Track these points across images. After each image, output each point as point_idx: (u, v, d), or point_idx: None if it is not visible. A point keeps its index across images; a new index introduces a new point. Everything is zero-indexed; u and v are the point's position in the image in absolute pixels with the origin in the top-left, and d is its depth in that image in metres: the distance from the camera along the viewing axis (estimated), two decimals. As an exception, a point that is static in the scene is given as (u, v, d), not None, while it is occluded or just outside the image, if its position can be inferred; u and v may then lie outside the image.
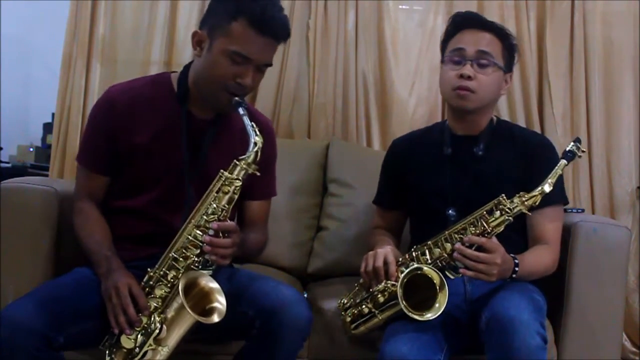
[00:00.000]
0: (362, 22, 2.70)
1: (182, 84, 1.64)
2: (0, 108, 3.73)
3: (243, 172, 1.50)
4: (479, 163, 1.78)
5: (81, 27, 2.66)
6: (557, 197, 1.76)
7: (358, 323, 1.69)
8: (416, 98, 2.74)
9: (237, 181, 1.50)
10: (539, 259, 1.72)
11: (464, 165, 1.79)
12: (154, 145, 1.62)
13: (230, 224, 1.49)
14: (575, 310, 1.88)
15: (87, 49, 2.67)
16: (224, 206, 1.49)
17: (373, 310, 1.65)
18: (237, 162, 1.50)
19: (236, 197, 1.51)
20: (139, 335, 1.43)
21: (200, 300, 1.47)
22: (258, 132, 1.50)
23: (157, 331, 1.42)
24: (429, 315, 1.54)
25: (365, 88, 2.72)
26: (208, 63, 1.56)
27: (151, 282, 1.49)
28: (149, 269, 1.51)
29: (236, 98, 1.54)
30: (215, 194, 1.50)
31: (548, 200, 1.68)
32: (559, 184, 1.77)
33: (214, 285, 1.48)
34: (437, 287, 1.56)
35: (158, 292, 1.48)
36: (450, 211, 1.74)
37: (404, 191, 1.90)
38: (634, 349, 2.66)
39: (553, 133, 2.64)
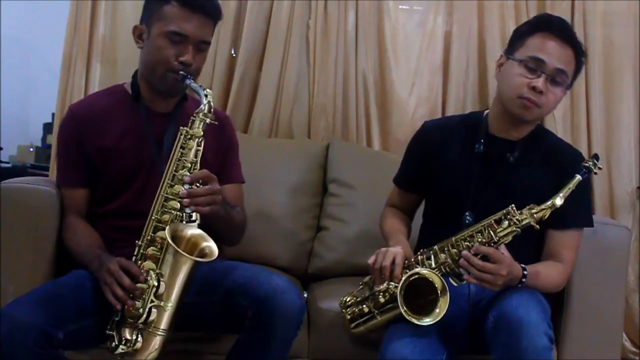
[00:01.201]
0: (362, 22, 2.69)
1: (134, 84, 1.73)
2: (0, 108, 3.73)
3: (202, 124, 1.57)
4: (509, 170, 1.71)
5: (81, 27, 2.66)
6: (585, 220, 1.74)
7: (358, 322, 1.69)
8: (416, 98, 2.74)
9: (199, 133, 1.56)
10: (550, 275, 1.68)
11: (493, 168, 1.72)
12: (121, 146, 1.69)
13: (202, 171, 1.55)
14: (575, 310, 1.88)
15: (87, 49, 2.67)
16: (192, 159, 1.56)
17: (373, 310, 1.65)
18: (194, 116, 1.58)
19: (201, 149, 1.57)
20: (141, 302, 1.44)
21: (190, 249, 1.49)
22: (206, 88, 1.59)
23: (154, 288, 1.44)
24: (428, 320, 1.53)
25: (365, 88, 2.71)
26: (149, 49, 1.65)
27: (142, 251, 1.52)
28: (137, 241, 1.54)
29: (181, 72, 1.61)
30: (181, 150, 1.57)
31: (575, 222, 1.67)
32: (588, 207, 1.76)
33: (198, 231, 1.51)
34: (439, 292, 1.55)
35: (150, 258, 1.50)
36: (467, 215, 1.69)
37: (426, 177, 1.84)
38: (634, 349, 2.66)
39: (553, 133, 2.64)
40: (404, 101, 2.73)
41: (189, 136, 1.57)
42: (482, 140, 1.74)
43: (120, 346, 1.44)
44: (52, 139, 2.78)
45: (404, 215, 1.95)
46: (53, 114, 2.86)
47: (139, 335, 1.44)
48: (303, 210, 2.38)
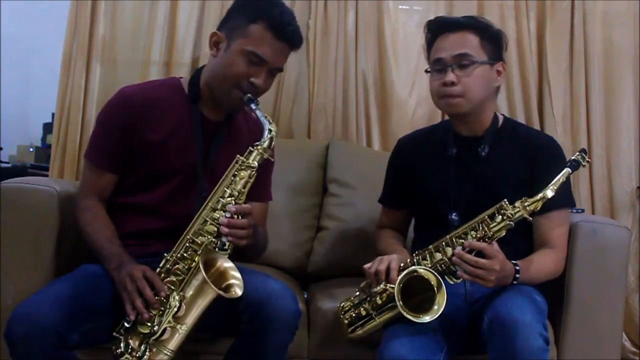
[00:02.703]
0: (362, 22, 2.70)
1: (194, 86, 1.69)
2: (0, 108, 3.73)
3: (259, 157, 1.56)
4: (483, 164, 1.75)
5: (81, 27, 2.66)
6: (564, 200, 1.75)
7: (355, 326, 1.69)
8: (416, 98, 2.74)
9: (253, 165, 1.55)
10: (542, 264, 1.70)
11: (468, 166, 1.77)
12: (167, 144, 1.66)
13: (246, 206, 1.54)
14: (575, 310, 1.88)
15: (87, 49, 2.67)
16: (240, 190, 1.55)
17: (371, 312, 1.65)
18: (253, 148, 1.57)
19: (251, 181, 1.56)
20: (156, 317, 1.43)
21: (217, 280, 1.49)
22: (271, 121, 1.59)
23: (175, 309, 1.43)
24: (427, 318, 1.53)
25: (365, 88, 2.72)
26: (224, 62, 1.62)
27: (168, 266, 1.51)
28: (165, 254, 1.52)
29: (248, 95, 1.60)
30: (232, 178, 1.55)
31: (554, 204, 1.67)
32: (566, 187, 1.75)
33: (230, 264, 1.51)
34: (435, 288, 1.55)
35: (175, 274, 1.49)
36: (453, 215, 1.73)
37: (408, 191, 1.89)
38: (634, 349, 2.66)
39: (553, 133, 2.63)
40: (404, 101, 2.73)
41: (243, 166, 1.55)
42: (452, 143, 1.79)
43: (126, 355, 1.42)
44: (52, 139, 2.78)
45: (396, 233, 1.97)
46: (53, 114, 2.85)
47: (147, 350, 1.42)
48: (303, 210, 2.38)
